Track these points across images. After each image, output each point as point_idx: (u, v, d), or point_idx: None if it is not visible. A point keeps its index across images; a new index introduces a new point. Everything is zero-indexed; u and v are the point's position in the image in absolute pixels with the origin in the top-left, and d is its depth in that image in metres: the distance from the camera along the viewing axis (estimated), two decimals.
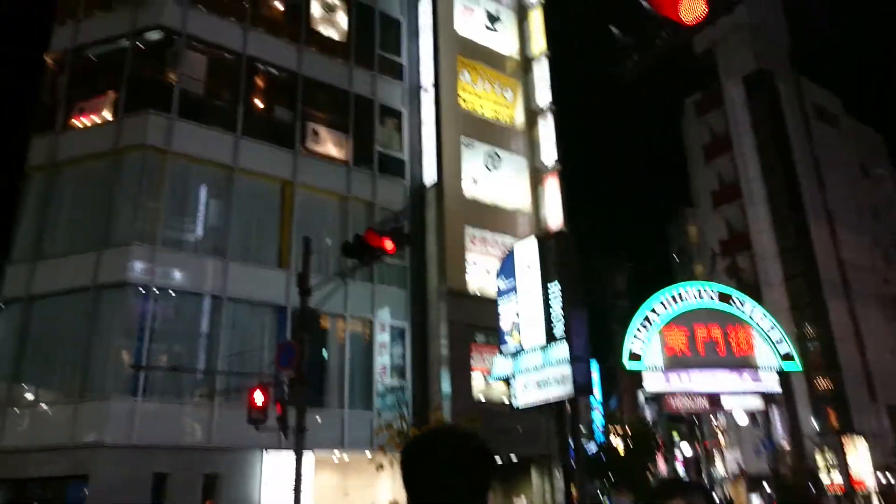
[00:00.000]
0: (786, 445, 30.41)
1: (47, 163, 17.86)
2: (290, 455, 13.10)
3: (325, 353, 19.10)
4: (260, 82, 20.21)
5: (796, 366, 23.70)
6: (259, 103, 20.18)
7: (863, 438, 31.96)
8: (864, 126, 46.08)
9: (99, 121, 18.04)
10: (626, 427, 25.63)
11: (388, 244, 9.53)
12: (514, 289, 17.69)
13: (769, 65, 39.01)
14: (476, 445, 1.69)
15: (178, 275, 17.06)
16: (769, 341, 22.89)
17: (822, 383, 33.05)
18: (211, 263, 17.57)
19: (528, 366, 16.93)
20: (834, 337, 33.54)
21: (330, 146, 20.88)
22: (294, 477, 10.32)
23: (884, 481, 32.18)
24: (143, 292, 16.41)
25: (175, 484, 15.46)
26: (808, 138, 38.93)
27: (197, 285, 17.25)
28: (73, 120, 18.36)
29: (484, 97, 24.60)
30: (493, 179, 23.73)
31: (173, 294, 17.06)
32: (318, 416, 17.17)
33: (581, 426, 18.71)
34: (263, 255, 18.72)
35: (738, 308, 22.97)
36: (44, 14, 19.88)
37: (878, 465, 32.38)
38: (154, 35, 18.47)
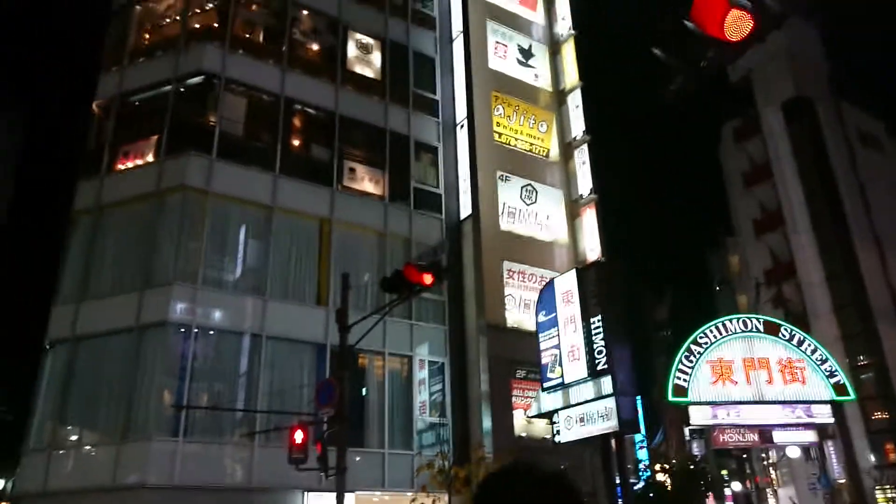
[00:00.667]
0: (842, 481, 29.08)
1: (93, 206, 18.31)
2: (331, 496, 12.90)
3: (364, 392, 18.95)
4: (297, 122, 20.55)
5: (850, 397, 22.79)
6: (297, 142, 20.49)
7: None
8: None
9: (142, 163, 18.48)
10: (673, 463, 24.83)
11: (427, 279, 9.42)
12: (554, 322, 17.39)
13: (808, 90, 38.41)
14: (565, 484, 1.54)
15: (218, 313, 17.19)
16: (820, 372, 22.05)
17: (879, 415, 31.65)
18: (250, 302, 17.68)
19: (570, 401, 16.54)
20: (888, 367, 32.21)
21: (367, 183, 21.03)
22: None
23: None
24: (184, 331, 16.54)
25: None
26: (852, 163, 38.00)
27: (236, 324, 17.35)
28: (117, 164, 18.85)
29: (518, 130, 24.61)
30: (530, 212, 23.58)
31: (213, 333, 17.18)
32: (357, 457, 16.94)
33: (627, 463, 18.14)
34: (302, 292, 18.78)
35: (786, 339, 22.25)
36: (91, 63, 20.63)
37: None
38: (195, 79, 18.96)
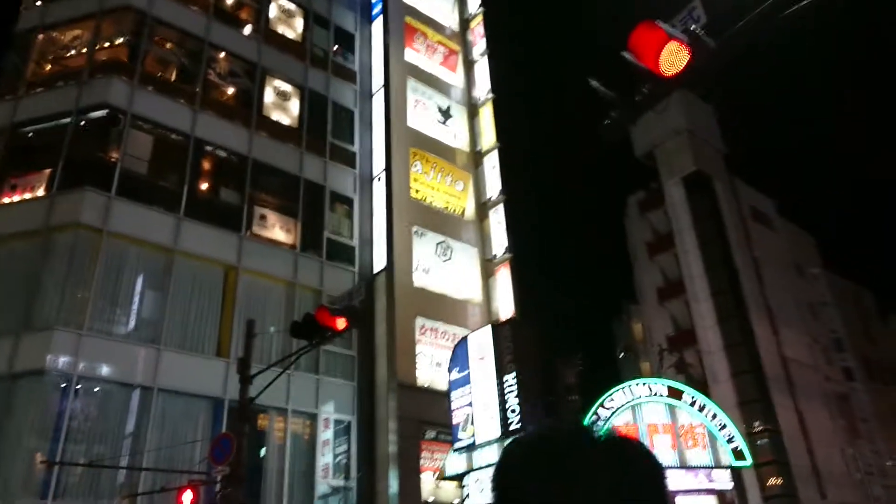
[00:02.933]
0: None
1: None
2: None
3: (263, 452, 17.70)
4: (207, 164, 19.71)
5: (748, 462, 23.33)
6: (205, 185, 19.60)
7: None
8: (797, 228, 48.16)
9: (30, 197, 17.08)
10: None
11: (340, 323, 8.83)
12: (467, 379, 16.98)
13: (706, 167, 40.72)
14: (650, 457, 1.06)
15: (104, 364, 15.74)
16: (720, 438, 22.52)
17: (773, 481, 32.56)
18: (143, 352, 16.33)
19: (482, 462, 16.01)
20: (782, 433, 33.40)
21: (278, 231, 20.27)
22: None
23: None
24: (64, 382, 14.99)
25: None
26: (747, 238, 40.24)
27: (125, 375, 15.92)
28: (2, 197, 17.33)
29: (435, 188, 24.60)
30: (445, 269, 23.36)
31: (98, 384, 15.68)
32: None
33: None
34: (201, 343, 17.56)
35: (688, 404, 22.68)
36: None
37: None
38: (98, 113, 17.92)
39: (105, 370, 15.74)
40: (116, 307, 16.69)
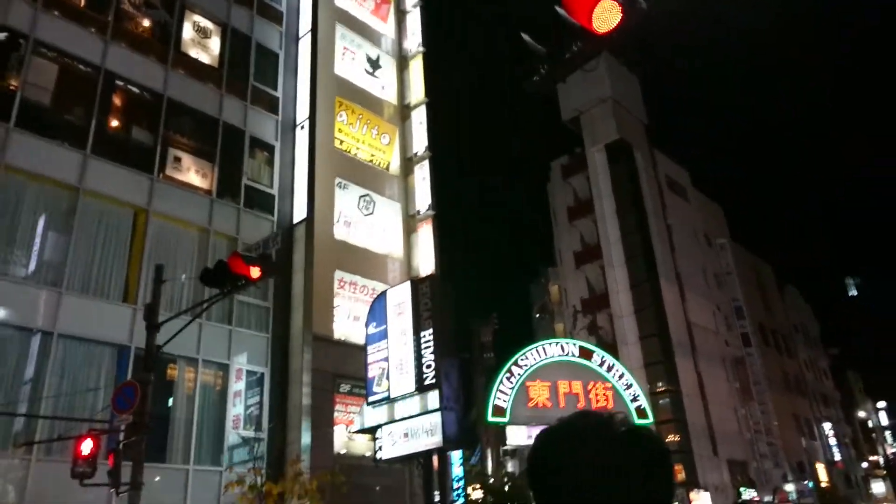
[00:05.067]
0: None
1: None
2: None
3: (171, 402, 17.22)
4: (118, 100, 18.54)
5: (649, 420, 24.54)
6: (115, 122, 18.45)
7: (706, 491, 33.48)
8: (708, 199, 50.20)
9: None
10: (490, 482, 25.15)
11: (255, 271, 8.54)
12: (384, 334, 16.95)
13: (628, 136, 41.69)
14: (657, 444, 1.19)
15: (1, 307, 14.79)
16: (625, 396, 23.55)
17: (672, 438, 34.45)
18: (43, 294, 15.43)
19: (395, 415, 16.12)
20: (682, 394, 35.27)
21: (192, 175, 19.40)
22: None
23: None
24: None
25: None
26: (662, 206, 41.66)
27: (24, 319, 15.03)
28: None
29: (361, 140, 24.12)
30: (366, 223, 23.09)
31: None
32: (157, 475, 15.26)
33: (448, 481, 17.98)
34: (107, 287, 16.74)
35: (598, 364, 23.54)
36: None
37: None
38: None
39: (1, 313, 14.81)
40: (14, 247, 15.64)
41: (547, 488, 1.18)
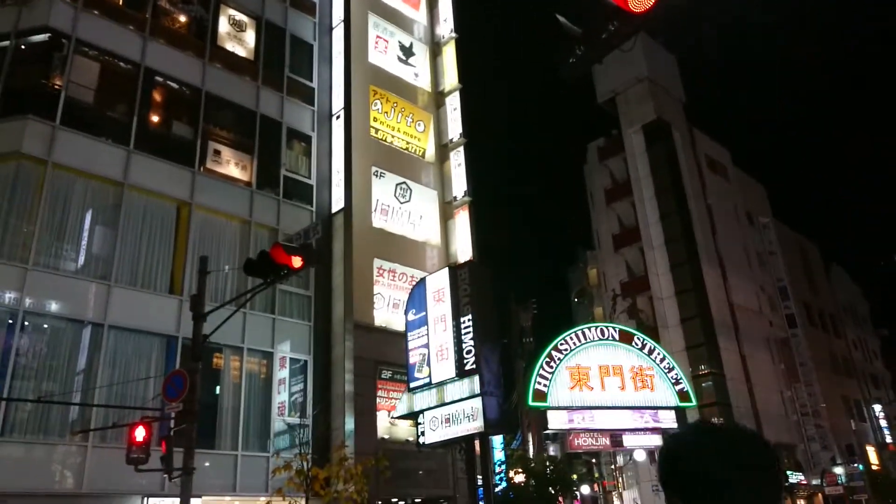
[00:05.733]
0: None
1: None
2: (174, 502, 11.73)
3: (218, 390, 17.65)
4: (158, 95, 18.91)
5: (692, 403, 24.28)
6: (156, 118, 18.84)
7: None
8: (750, 178, 49.11)
9: None
10: (532, 466, 25.29)
11: (296, 261, 8.68)
12: (424, 321, 17.04)
13: (666, 116, 40.96)
14: (772, 449, 1.43)
15: (52, 299, 15.31)
16: (667, 380, 23.34)
17: (715, 421, 34.07)
18: (93, 288, 15.91)
19: (436, 401, 16.23)
20: (725, 376, 34.78)
21: (232, 167, 19.74)
22: None
23: None
24: (10, 319, 14.55)
25: None
26: (702, 186, 40.92)
27: (74, 312, 15.54)
28: None
29: (396, 128, 24.20)
30: (403, 211, 23.21)
31: (46, 321, 15.29)
32: (207, 461, 15.69)
33: (490, 464, 18.14)
34: (153, 280, 17.19)
35: (638, 347, 23.34)
36: None
37: None
38: (40, 37, 16.91)
39: (53, 306, 15.33)
40: (64, 242, 16.15)
41: (691, 482, 1.37)
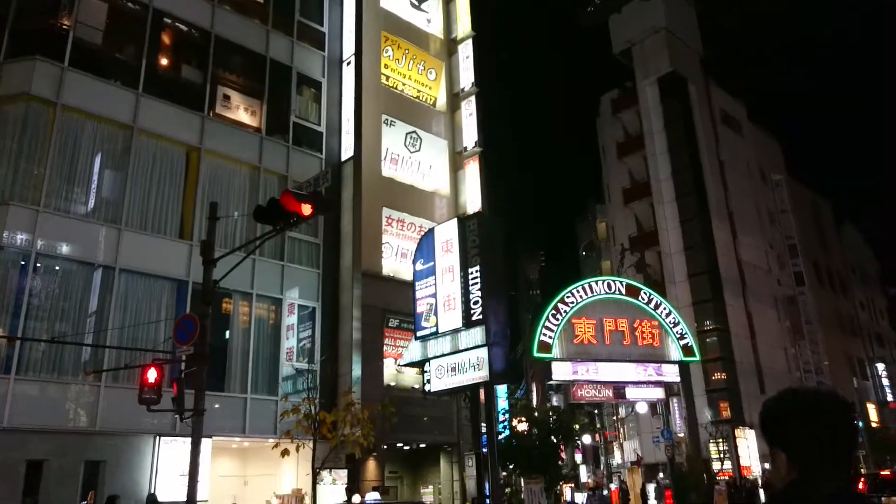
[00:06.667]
0: (682, 435, 31.43)
1: None
2: (185, 442, 12.03)
3: (227, 335, 17.90)
4: (167, 38, 18.65)
5: (696, 358, 24.48)
6: (165, 60, 18.61)
7: (752, 429, 33.49)
8: (766, 134, 48.36)
9: None
10: (536, 416, 25.63)
11: (306, 209, 8.66)
12: (432, 271, 17.12)
13: (682, 68, 40.14)
14: (851, 412, 1.69)
15: (64, 241, 15.43)
16: (672, 334, 23.48)
17: (717, 376, 34.35)
18: (103, 231, 16.02)
19: (443, 350, 16.42)
20: (731, 332, 34.93)
21: (242, 112, 19.58)
22: (190, 465, 9.33)
23: (767, 467, 33.87)
24: (22, 259, 14.71)
25: (52, 472, 13.99)
26: (715, 142, 40.35)
27: (86, 254, 15.68)
28: None
29: (407, 75, 23.86)
30: (413, 160, 23.08)
31: (58, 263, 15.45)
32: (217, 403, 16.02)
33: (494, 413, 18.40)
34: (163, 224, 17.27)
35: (644, 302, 23.42)
36: None
37: (765, 454, 34.07)
38: None
39: (65, 248, 15.47)
40: (74, 185, 16.19)
41: (801, 432, 1.63)
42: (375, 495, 17.34)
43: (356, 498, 16.48)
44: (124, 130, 16.86)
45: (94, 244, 15.82)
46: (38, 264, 15.06)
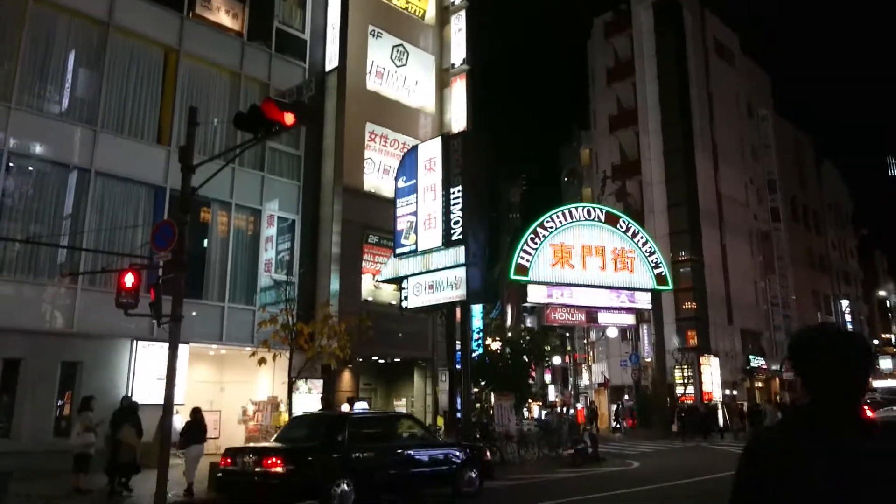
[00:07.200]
0: (649, 360, 32.45)
1: None
2: (162, 346, 12.15)
3: (206, 243, 17.82)
4: None
5: (668, 287, 25.00)
6: None
7: (716, 357, 34.63)
8: (757, 66, 47.77)
9: None
10: (509, 336, 26.26)
11: (288, 118, 8.47)
12: (414, 189, 17.05)
13: None
14: (868, 345, 1.90)
15: (37, 141, 15.03)
16: (647, 263, 23.87)
17: (688, 305, 35.17)
18: (79, 132, 15.60)
19: (421, 268, 16.57)
20: (704, 264, 35.55)
21: (223, 14, 18.81)
22: (167, 369, 9.45)
23: (728, 393, 35.29)
24: None
25: (28, 371, 14.12)
26: (706, 72, 39.83)
27: (61, 155, 15.32)
28: None
29: None
30: (399, 75, 22.54)
31: (31, 163, 15.09)
32: (194, 311, 16.09)
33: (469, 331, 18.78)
34: (141, 128, 16.85)
35: (622, 230, 23.65)
36: None
37: (726, 381, 35.37)
38: None
39: (38, 148, 15.08)
40: (47, 82, 15.62)
41: (814, 364, 1.83)
42: (364, 405, 17.95)
43: (345, 406, 17.00)
44: (99, 27, 16.17)
45: (69, 145, 15.43)
46: (11, 164, 14.71)
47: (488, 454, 12.69)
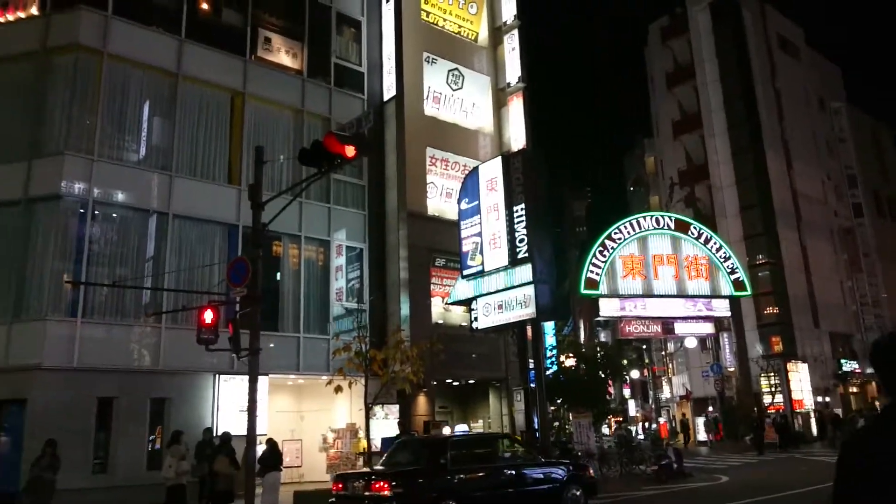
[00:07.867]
0: (732, 369, 31.29)
1: None
2: (243, 379, 12.53)
3: (279, 276, 18.35)
4: None
5: (747, 293, 24.11)
6: (205, 5, 18.52)
7: (804, 363, 33.07)
8: (825, 59, 46.01)
9: (24, 16, 16.30)
10: (584, 351, 25.84)
11: (350, 150, 8.69)
12: (477, 210, 17.11)
13: None
14: None
15: (118, 189, 15.88)
16: (723, 269, 23.11)
17: (770, 310, 33.83)
18: (155, 178, 16.41)
19: (489, 288, 16.56)
20: (784, 266, 34.18)
21: (283, 55, 19.52)
22: (248, 401, 9.74)
23: (820, 400, 33.58)
24: (81, 207, 15.23)
25: (121, 408, 14.80)
26: (771, 69, 38.61)
27: (140, 201, 16.14)
28: None
29: (447, 10, 23.33)
30: (455, 98, 22.78)
31: (115, 210, 15.94)
32: (271, 343, 16.54)
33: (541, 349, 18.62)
34: (212, 170, 17.58)
35: (694, 237, 23.02)
36: None
37: (818, 388, 33.70)
38: None
39: (120, 196, 15.93)
40: (125, 133, 16.53)
41: (891, 367, 1.79)
42: (464, 427, 18.07)
43: (447, 429, 17.23)
44: (169, 78, 17.03)
45: (148, 191, 16.24)
46: (96, 212, 15.57)
47: (591, 471, 12.43)
